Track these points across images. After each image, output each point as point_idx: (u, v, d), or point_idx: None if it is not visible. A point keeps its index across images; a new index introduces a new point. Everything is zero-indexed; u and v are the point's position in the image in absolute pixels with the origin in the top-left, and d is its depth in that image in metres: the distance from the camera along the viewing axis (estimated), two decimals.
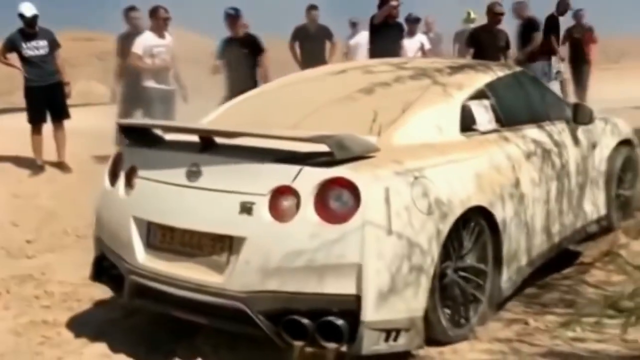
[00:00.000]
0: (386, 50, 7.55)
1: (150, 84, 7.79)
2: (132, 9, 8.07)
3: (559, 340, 3.51)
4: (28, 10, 7.55)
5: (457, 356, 3.35)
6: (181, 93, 8.04)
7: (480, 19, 10.02)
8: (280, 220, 3.10)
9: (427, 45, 9.72)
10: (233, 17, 7.89)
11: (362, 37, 10.25)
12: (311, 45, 9.21)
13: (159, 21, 7.86)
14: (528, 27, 9.42)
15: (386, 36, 8.25)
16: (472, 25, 10.32)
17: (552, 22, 9.95)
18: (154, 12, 7.88)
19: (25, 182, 7.49)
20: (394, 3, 8.28)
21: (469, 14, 10.51)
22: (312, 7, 9.42)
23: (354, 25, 10.69)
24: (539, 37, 9.36)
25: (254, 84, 7.64)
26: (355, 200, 3.03)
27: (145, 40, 7.81)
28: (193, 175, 3.33)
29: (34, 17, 7.58)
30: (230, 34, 8.03)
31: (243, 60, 7.79)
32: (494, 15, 8.59)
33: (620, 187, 5.23)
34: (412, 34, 9.72)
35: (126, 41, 8.09)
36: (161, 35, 7.87)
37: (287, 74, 5.09)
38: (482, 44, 8.52)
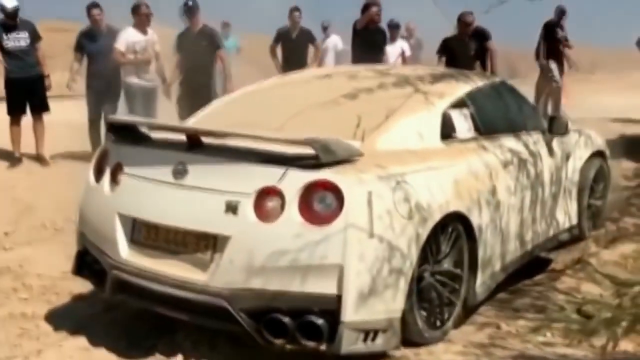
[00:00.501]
0: (368, 55, 7.64)
1: (132, 79, 7.80)
2: (94, 5, 7.94)
3: (530, 344, 3.63)
4: (9, 2, 7.53)
5: (433, 357, 3.44)
6: (163, 89, 8.04)
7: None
8: (264, 220, 3.17)
9: (408, 52, 9.83)
10: (191, 9, 7.78)
11: (331, 41, 10.39)
12: (293, 48, 9.25)
13: (141, 17, 7.86)
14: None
15: (368, 41, 8.34)
16: None
17: (547, 29, 10.32)
18: (136, 9, 7.87)
19: (2, 174, 7.45)
20: (374, 9, 8.38)
21: None
22: (294, 9, 9.46)
23: (325, 29, 10.80)
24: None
25: (209, 79, 7.69)
26: (339, 202, 3.11)
27: (128, 36, 7.81)
28: (179, 174, 3.38)
29: (15, 9, 7.55)
30: (188, 25, 7.90)
31: (200, 53, 7.72)
32: (464, 24, 8.80)
33: (591, 197, 5.38)
34: (393, 39, 9.84)
35: (84, 37, 8.05)
36: (143, 32, 7.87)
37: (270, 74, 5.16)
38: (453, 52, 8.73)
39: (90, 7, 7.90)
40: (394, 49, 9.74)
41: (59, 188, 6.64)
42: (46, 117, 7.90)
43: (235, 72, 8.26)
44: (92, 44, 7.92)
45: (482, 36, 8.72)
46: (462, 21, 8.73)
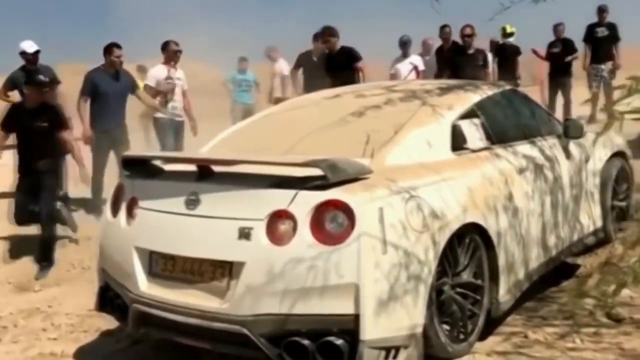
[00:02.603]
0: (336, 79, 7.68)
1: (160, 114, 7.94)
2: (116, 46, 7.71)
3: (557, 351, 3.56)
4: (30, 47, 7.70)
5: None
6: (190, 125, 8.19)
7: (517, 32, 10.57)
8: (277, 244, 3.17)
9: (421, 67, 9.80)
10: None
11: (278, 67, 10.75)
12: (315, 72, 9.20)
13: (170, 54, 8.01)
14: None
15: (334, 64, 8.33)
16: (511, 39, 10.52)
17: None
18: (165, 46, 8.03)
19: None
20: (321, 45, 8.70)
21: (504, 28, 10.45)
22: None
23: (271, 57, 11.07)
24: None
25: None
26: (350, 221, 3.10)
27: (158, 73, 7.96)
28: (192, 204, 3.41)
29: (36, 53, 7.72)
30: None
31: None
32: (463, 37, 9.18)
33: (615, 199, 5.30)
34: (404, 56, 9.83)
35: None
36: (172, 68, 8.02)
37: None
38: (457, 65, 8.93)
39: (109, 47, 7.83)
40: (405, 65, 9.72)
41: (84, 227, 6.73)
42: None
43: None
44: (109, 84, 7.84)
45: (350, 56, 8.43)
46: (461, 33, 9.16)
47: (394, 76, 9.62)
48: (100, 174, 7.31)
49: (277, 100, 9.35)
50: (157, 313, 3.46)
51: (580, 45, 11.11)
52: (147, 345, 4.11)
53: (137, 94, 7.77)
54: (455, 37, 9.70)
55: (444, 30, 9.88)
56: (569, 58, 10.91)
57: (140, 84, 8.18)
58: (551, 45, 11.12)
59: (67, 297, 5.31)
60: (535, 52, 11.58)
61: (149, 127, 9.16)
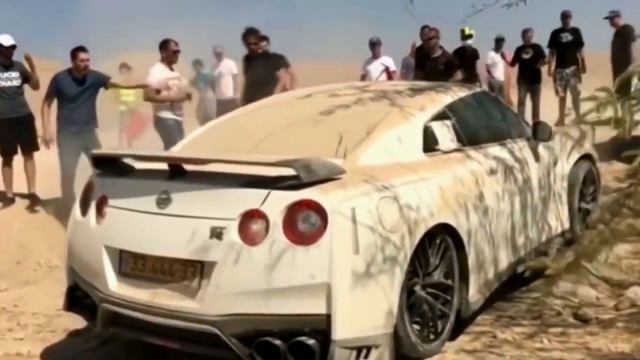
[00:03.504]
0: (261, 82, 7.58)
1: (166, 114, 7.78)
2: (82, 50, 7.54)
3: (526, 351, 3.61)
4: (7, 40, 7.57)
5: None
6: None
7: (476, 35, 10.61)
8: (250, 244, 3.16)
9: (392, 67, 9.84)
10: None
11: (224, 66, 10.55)
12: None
13: (169, 53, 7.88)
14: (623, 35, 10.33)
15: (260, 67, 8.03)
16: (470, 42, 10.56)
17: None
18: (164, 45, 7.89)
19: None
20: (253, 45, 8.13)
21: (463, 30, 10.49)
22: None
23: (218, 56, 10.96)
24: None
25: None
26: (323, 221, 3.11)
27: (158, 73, 7.80)
28: (163, 203, 3.38)
29: (12, 47, 7.59)
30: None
31: None
32: (425, 40, 9.17)
33: (582, 201, 5.38)
34: (375, 57, 9.86)
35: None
36: (171, 68, 7.91)
37: None
38: (425, 69, 8.87)
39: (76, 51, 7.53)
40: (375, 66, 9.75)
41: (52, 226, 6.64)
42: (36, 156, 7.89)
43: None
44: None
45: (272, 62, 8.11)
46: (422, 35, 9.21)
47: (364, 77, 9.66)
48: (70, 176, 7.19)
49: None
50: (127, 313, 3.43)
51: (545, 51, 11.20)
52: (115, 345, 4.07)
53: (110, 84, 7.69)
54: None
55: (423, 32, 9.89)
56: (540, 64, 10.98)
57: None
58: (520, 50, 11.17)
59: (33, 297, 5.23)
60: (503, 56, 11.71)
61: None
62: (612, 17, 10.56)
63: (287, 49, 9.02)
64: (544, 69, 11.18)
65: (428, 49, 9.02)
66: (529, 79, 10.97)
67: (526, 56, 11.03)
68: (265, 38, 8.58)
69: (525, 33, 11.06)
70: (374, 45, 9.88)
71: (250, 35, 8.08)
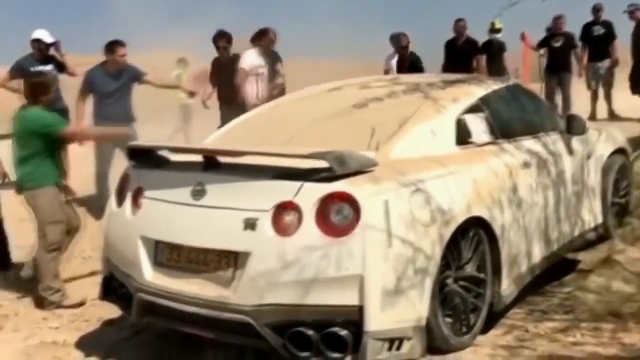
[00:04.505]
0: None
1: (253, 101, 7.57)
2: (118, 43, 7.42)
3: (559, 345, 3.59)
4: (48, 37, 7.62)
5: None
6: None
7: (505, 28, 10.59)
8: (283, 235, 3.19)
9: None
10: None
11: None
12: None
13: (267, 42, 7.78)
14: None
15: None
16: (498, 36, 10.47)
17: None
18: (263, 33, 7.78)
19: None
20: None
21: (493, 24, 10.35)
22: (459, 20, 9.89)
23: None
24: None
25: None
26: (356, 213, 3.12)
27: (252, 59, 7.71)
28: (198, 194, 3.43)
29: (52, 44, 7.66)
30: None
31: None
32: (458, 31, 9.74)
33: (615, 195, 5.32)
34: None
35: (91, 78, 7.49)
36: (265, 57, 7.77)
37: None
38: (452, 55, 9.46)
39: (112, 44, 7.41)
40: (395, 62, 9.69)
41: (86, 218, 6.72)
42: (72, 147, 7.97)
43: None
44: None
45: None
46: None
47: (387, 72, 9.59)
48: (104, 171, 7.22)
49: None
50: (162, 302, 3.48)
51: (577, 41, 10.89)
52: (149, 334, 4.12)
53: (144, 80, 7.58)
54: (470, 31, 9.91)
55: (458, 24, 9.84)
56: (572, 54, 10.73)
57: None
58: (550, 38, 10.70)
59: (68, 287, 5.30)
60: (523, 37, 11.23)
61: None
62: (632, 11, 10.40)
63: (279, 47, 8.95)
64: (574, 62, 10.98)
65: (458, 35, 9.63)
66: (559, 68, 10.52)
67: (556, 44, 10.55)
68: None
69: (557, 20, 10.55)
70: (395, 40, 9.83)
71: (221, 39, 8.05)
